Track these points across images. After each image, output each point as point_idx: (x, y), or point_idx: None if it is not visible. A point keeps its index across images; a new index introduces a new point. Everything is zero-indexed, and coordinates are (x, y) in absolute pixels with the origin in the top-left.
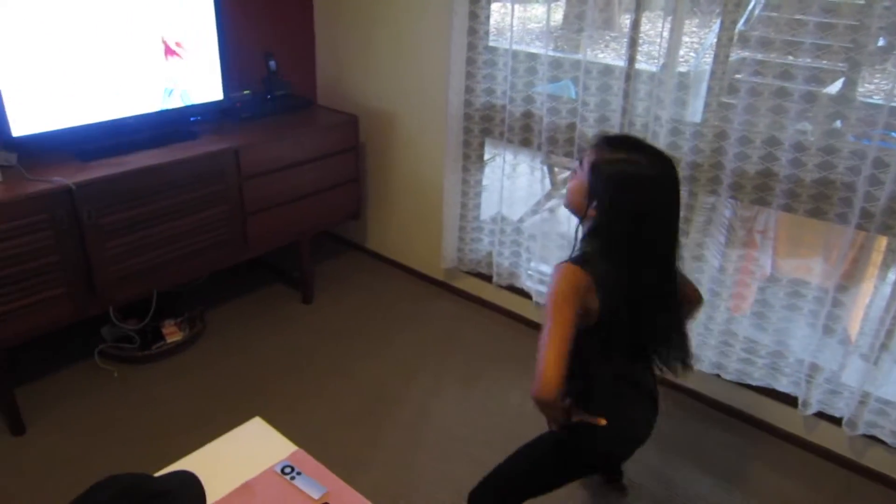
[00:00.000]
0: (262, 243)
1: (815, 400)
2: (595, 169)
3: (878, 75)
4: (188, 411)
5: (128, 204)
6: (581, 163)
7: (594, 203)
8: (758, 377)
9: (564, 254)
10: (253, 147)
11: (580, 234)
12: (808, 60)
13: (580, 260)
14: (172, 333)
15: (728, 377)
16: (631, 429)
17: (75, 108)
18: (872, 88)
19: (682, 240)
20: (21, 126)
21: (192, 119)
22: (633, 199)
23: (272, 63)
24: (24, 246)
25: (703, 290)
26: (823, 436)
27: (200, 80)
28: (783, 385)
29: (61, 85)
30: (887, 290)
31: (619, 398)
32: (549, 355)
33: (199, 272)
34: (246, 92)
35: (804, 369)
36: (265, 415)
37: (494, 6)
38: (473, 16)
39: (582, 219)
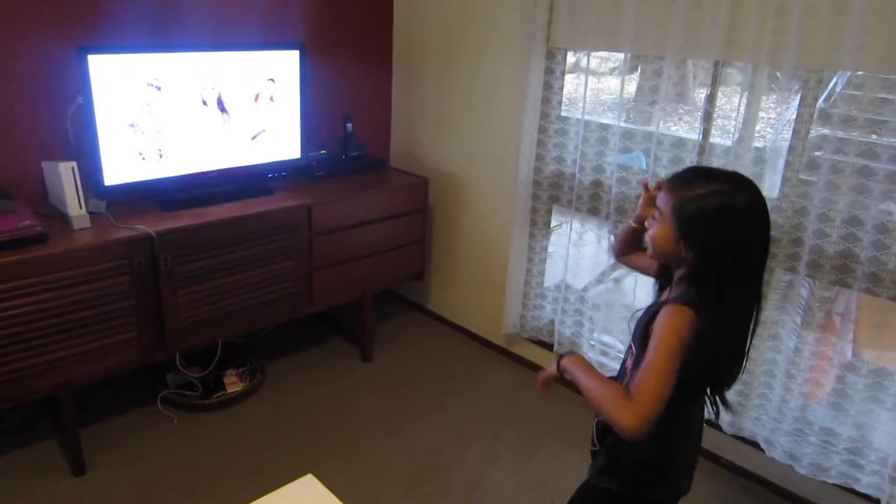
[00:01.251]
0: (327, 298)
1: None
2: (679, 209)
3: None
4: (242, 463)
5: (203, 254)
6: (659, 209)
7: (689, 244)
8: (835, 473)
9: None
10: (325, 204)
11: (676, 279)
12: (893, 140)
13: (690, 304)
14: (233, 383)
15: (802, 471)
16: (688, 477)
17: (162, 160)
18: None
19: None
20: (112, 175)
21: (269, 175)
22: (730, 230)
23: (349, 125)
24: (103, 290)
25: (778, 372)
26: None
27: (281, 139)
28: (863, 485)
29: (151, 138)
30: None
31: (689, 445)
32: (657, 394)
33: (265, 324)
34: (322, 151)
35: (888, 468)
36: (318, 472)
37: (568, 77)
38: (547, 86)
39: (675, 265)
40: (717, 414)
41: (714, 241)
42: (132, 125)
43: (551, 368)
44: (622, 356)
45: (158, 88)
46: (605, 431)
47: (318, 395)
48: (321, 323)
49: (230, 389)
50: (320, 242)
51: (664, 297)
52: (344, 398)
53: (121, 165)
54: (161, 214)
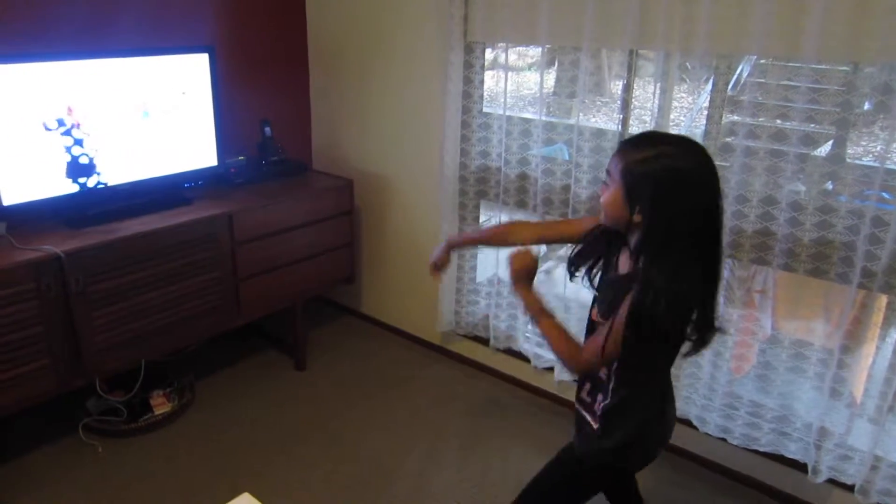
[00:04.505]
0: (255, 309)
1: (825, 466)
2: (628, 173)
3: (865, 138)
4: (175, 487)
5: (118, 271)
6: (609, 174)
7: (637, 208)
8: (765, 442)
9: (563, 317)
10: (247, 212)
11: (632, 247)
12: (797, 123)
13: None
14: (161, 405)
15: (734, 442)
16: (656, 447)
17: (67, 176)
18: (861, 151)
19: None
20: (11, 195)
21: (186, 185)
22: (676, 192)
23: (267, 129)
24: (7, 317)
25: (705, 350)
26: None
27: (196, 146)
28: (791, 451)
29: (51, 153)
30: (890, 350)
31: (663, 409)
32: (601, 358)
33: (191, 340)
34: (241, 157)
35: (812, 434)
36: (256, 489)
37: (489, 73)
38: (468, 80)
39: (627, 231)
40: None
41: (661, 203)
42: (30, 140)
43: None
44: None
45: (58, 99)
46: (608, 411)
47: (251, 409)
48: (251, 334)
49: (158, 411)
50: (244, 251)
51: (621, 261)
52: (279, 410)
53: (20, 183)
54: (69, 233)
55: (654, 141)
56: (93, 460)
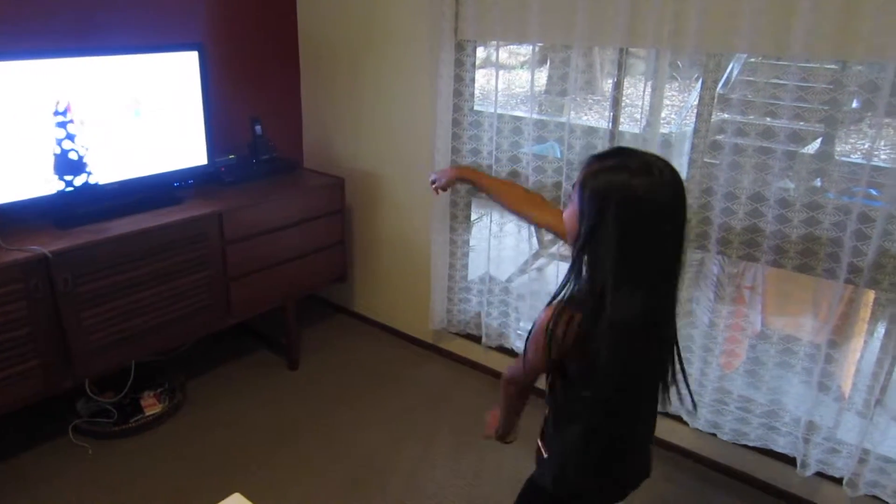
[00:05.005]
0: (246, 309)
1: (813, 460)
2: (581, 183)
3: (853, 136)
4: (166, 489)
5: (107, 271)
6: (573, 187)
7: (583, 222)
8: (754, 437)
9: None
10: (237, 211)
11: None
12: (785, 121)
13: (570, 301)
14: (151, 406)
15: (725, 437)
16: (617, 490)
17: (51, 175)
18: (849, 148)
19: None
20: None
21: (175, 184)
22: (618, 208)
23: (258, 127)
24: None
25: (695, 347)
26: (826, 497)
27: (186, 145)
28: (780, 446)
29: (39, 152)
30: (877, 344)
31: (610, 467)
32: (520, 376)
33: (180, 340)
34: (231, 156)
35: (801, 428)
36: (248, 489)
37: (480, 72)
38: (458, 79)
39: (577, 246)
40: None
41: (597, 218)
42: (17, 138)
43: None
44: None
45: (48, 97)
46: (549, 437)
47: (243, 409)
48: (243, 334)
49: (148, 412)
50: (235, 250)
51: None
52: (271, 410)
53: (8, 183)
54: (57, 232)
55: (620, 155)
56: (83, 462)
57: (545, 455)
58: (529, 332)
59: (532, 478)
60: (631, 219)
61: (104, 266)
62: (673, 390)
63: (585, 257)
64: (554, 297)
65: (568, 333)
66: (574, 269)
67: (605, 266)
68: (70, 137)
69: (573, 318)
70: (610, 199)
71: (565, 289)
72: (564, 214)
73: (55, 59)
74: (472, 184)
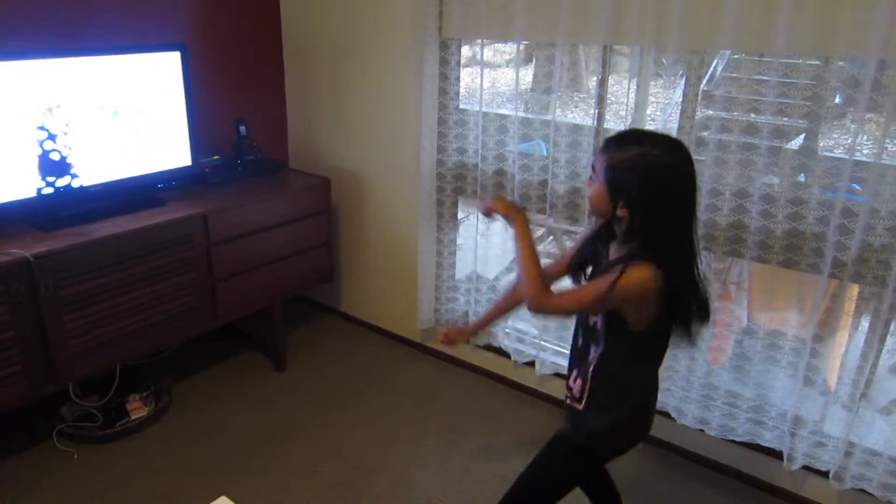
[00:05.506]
0: (233, 310)
1: (800, 454)
2: (613, 169)
3: (836, 131)
4: (153, 493)
5: (90, 274)
6: (594, 169)
7: (622, 202)
8: (741, 432)
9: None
10: (222, 212)
11: (619, 237)
12: (769, 117)
13: (651, 261)
14: (137, 409)
15: (712, 433)
16: (642, 431)
17: (35, 177)
18: (832, 143)
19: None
20: None
21: (159, 185)
22: (662, 188)
23: (242, 128)
24: None
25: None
26: (813, 490)
27: (169, 146)
28: (767, 440)
29: (19, 154)
30: (861, 338)
31: (647, 401)
32: (566, 307)
33: (167, 343)
34: (215, 157)
35: (787, 423)
36: (235, 491)
37: (465, 71)
38: (444, 77)
39: (611, 221)
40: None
41: (646, 198)
42: None
43: (497, 206)
44: (537, 342)
45: (26, 99)
46: (594, 391)
47: (230, 412)
48: (229, 336)
49: (134, 416)
50: (220, 252)
51: (611, 251)
52: (259, 411)
53: None
54: (39, 235)
55: (638, 139)
56: (68, 467)
57: (580, 409)
58: (594, 283)
59: (556, 439)
60: (670, 188)
61: (87, 269)
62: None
63: (636, 224)
64: (619, 261)
65: (657, 285)
66: (626, 244)
67: (661, 228)
68: (52, 137)
69: (656, 270)
70: (651, 173)
71: (620, 253)
72: (590, 192)
73: (35, 59)
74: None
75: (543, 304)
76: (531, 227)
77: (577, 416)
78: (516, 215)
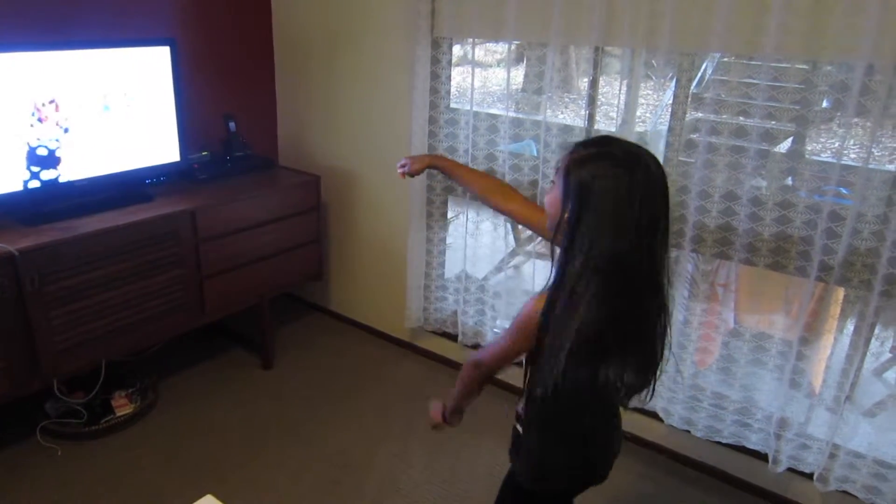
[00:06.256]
0: (220, 308)
1: (785, 456)
2: (566, 171)
3: (823, 135)
4: (138, 490)
5: (76, 270)
6: (556, 172)
7: (566, 208)
8: (727, 434)
9: None
10: (210, 208)
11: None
12: (758, 120)
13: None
14: (122, 406)
15: (698, 434)
16: (600, 469)
17: (20, 171)
18: (819, 147)
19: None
20: None
21: (147, 181)
22: (602, 197)
23: (232, 124)
24: None
25: (671, 344)
26: (797, 492)
27: (157, 142)
28: (752, 442)
29: (4, 148)
30: (846, 341)
31: (595, 440)
32: (490, 361)
33: (153, 340)
34: (204, 153)
35: (773, 425)
36: (222, 489)
37: (457, 70)
38: (435, 76)
39: (557, 233)
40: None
41: (582, 207)
42: None
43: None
44: None
45: (12, 93)
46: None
47: (217, 410)
48: (217, 333)
49: (119, 412)
50: (208, 249)
51: None
52: (246, 409)
53: None
54: (24, 230)
55: (604, 143)
56: (52, 464)
57: (527, 430)
58: (513, 321)
59: (511, 473)
60: (611, 208)
61: (73, 264)
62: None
63: (567, 243)
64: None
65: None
66: (563, 253)
67: (581, 250)
68: (39, 132)
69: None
70: (595, 189)
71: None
72: (546, 200)
73: (24, 53)
74: (444, 171)
75: (481, 369)
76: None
77: (519, 443)
78: (440, 161)
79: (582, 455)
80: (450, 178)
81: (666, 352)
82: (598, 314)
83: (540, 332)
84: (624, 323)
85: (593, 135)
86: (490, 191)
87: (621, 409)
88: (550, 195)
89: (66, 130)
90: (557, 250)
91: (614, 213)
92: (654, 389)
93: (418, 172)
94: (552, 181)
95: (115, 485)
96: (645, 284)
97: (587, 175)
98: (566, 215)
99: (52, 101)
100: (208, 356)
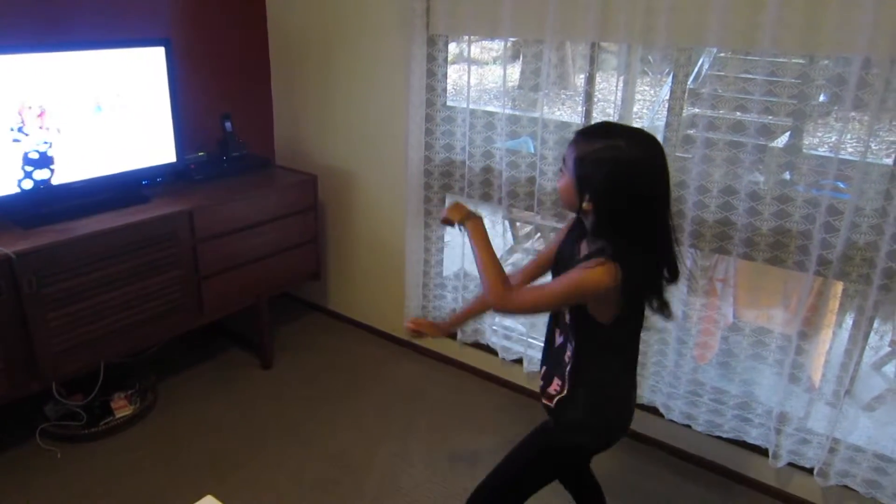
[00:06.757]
0: (218, 308)
1: (785, 451)
2: (580, 162)
3: (821, 129)
4: (137, 492)
5: (73, 271)
6: (564, 161)
7: (587, 196)
8: (728, 429)
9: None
10: (207, 209)
11: (588, 231)
12: (755, 115)
13: (609, 258)
14: (122, 408)
15: (699, 428)
16: (622, 427)
17: (16, 173)
18: (817, 141)
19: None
20: None
21: (143, 182)
22: (625, 182)
23: (228, 124)
24: None
25: (670, 339)
26: (798, 486)
27: (153, 142)
28: (753, 437)
29: (1, 150)
30: (845, 336)
31: (624, 396)
32: (529, 306)
33: (152, 341)
34: (201, 154)
35: (773, 419)
36: (222, 490)
37: (453, 68)
38: (431, 74)
39: (579, 215)
40: (668, 315)
41: (608, 192)
42: None
43: (451, 215)
44: (524, 339)
45: (4, 95)
46: (572, 388)
47: (216, 410)
48: (215, 333)
49: (119, 414)
50: (206, 249)
51: (582, 247)
52: (245, 410)
53: None
54: (21, 233)
55: (608, 132)
56: (51, 467)
57: (567, 392)
58: (555, 282)
59: (537, 432)
60: (634, 182)
61: (70, 266)
62: None
63: (601, 219)
64: (585, 258)
65: (616, 283)
66: (592, 239)
67: (625, 223)
68: (33, 134)
69: (616, 268)
70: (616, 167)
71: (584, 248)
72: (560, 185)
73: (17, 54)
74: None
75: (506, 302)
76: (527, 224)
77: (556, 413)
78: (467, 220)
79: (622, 396)
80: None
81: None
82: (645, 268)
83: (611, 294)
84: (654, 266)
85: (610, 122)
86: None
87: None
88: (563, 182)
89: (61, 132)
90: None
91: (639, 190)
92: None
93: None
94: (561, 169)
95: (115, 486)
96: (665, 239)
97: (606, 156)
98: (593, 203)
99: (46, 103)
100: (207, 357)
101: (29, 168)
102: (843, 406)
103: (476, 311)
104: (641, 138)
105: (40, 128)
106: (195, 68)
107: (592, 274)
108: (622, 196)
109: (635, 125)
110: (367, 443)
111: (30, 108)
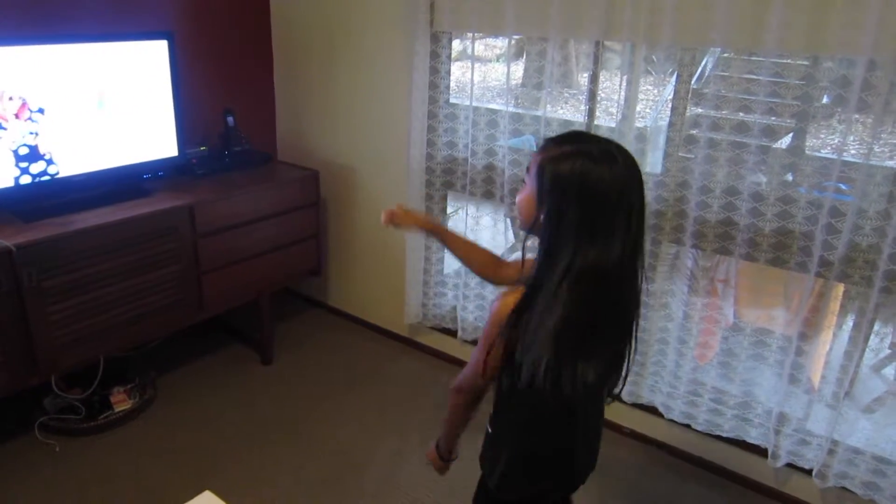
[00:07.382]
0: (219, 303)
1: (784, 451)
2: (539, 167)
3: (823, 131)
4: (135, 487)
5: (74, 265)
6: (528, 171)
7: (542, 206)
8: (728, 428)
9: None
10: (209, 203)
11: (537, 253)
12: (758, 116)
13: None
14: (121, 402)
15: (699, 428)
16: (557, 482)
17: (18, 166)
18: (820, 143)
19: (649, 287)
20: None
21: (145, 176)
22: (580, 194)
23: (230, 119)
24: None
25: (670, 339)
26: (796, 487)
27: (155, 136)
28: (753, 437)
29: (2, 143)
30: (846, 337)
31: (558, 448)
32: (469, 371)
33: (152, 335)
34: (203, 148)
35: (772, 420)
36: (221, 486)
37: (456, 65)
38: (434, 71)
39: (530, 232)
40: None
41: (561, 203)
42: None
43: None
44: None
45: (7, 87)
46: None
47: (216, 406)
48: (215, 329)
49: (118, 408)
50: (207, 244)
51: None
52: (245, 405)
53: None
54: (21, 226)
55: (576, 140)
56: (50, 460)
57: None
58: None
59: (482, 481)
60: (592, 205)
61: (71, 260)
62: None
63: (548, 243)
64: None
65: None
66: (539, 254)
67: (563, 251)
68: (33, 127)
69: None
70: (572, 186)
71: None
72: (518, 198)
73: (18, 46)
74: (437, 238)
75: (457, 385)
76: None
77: (485, 443)
78: (433, 234)
79: (540, 455)
80: (444, 246)
81: (636, 344)
82: (579, 315)
83: (511, 330)
84: (603, 321)
85: (593, 131)
86: (486, 265)
87: (605, 404)
88: (523, 195)
89: (62, 125)
90: (529, 243)
91: (596, 210)
92: (625, 381)
93: (406, 228)
94: (522, 181)
95: (114, 480)
96: (626, 281)
97: (566, 172)
98: (543, 215)
99: (47, 96)
100: (207, 352)
101: (23, 164)
102: (843, 408)
103: (462, 253)
104: (612, 150)
105: (26, 119)
106: (198, 62)
107: (498, 302)
108: (561, 210)
109: (638, 124)
110: (367, 439)
111: (10, 98)
